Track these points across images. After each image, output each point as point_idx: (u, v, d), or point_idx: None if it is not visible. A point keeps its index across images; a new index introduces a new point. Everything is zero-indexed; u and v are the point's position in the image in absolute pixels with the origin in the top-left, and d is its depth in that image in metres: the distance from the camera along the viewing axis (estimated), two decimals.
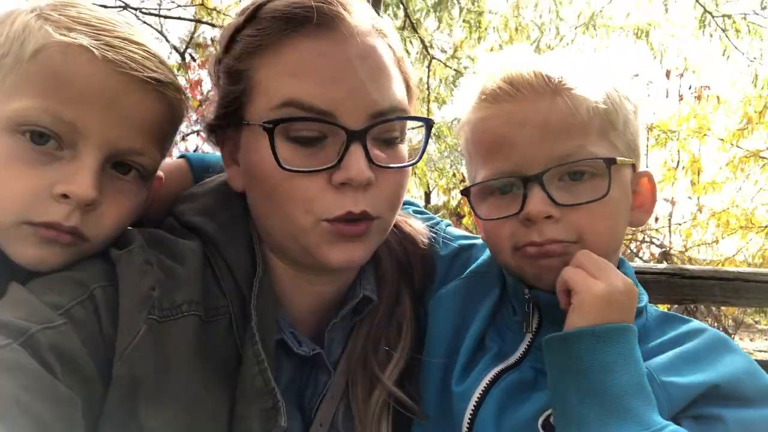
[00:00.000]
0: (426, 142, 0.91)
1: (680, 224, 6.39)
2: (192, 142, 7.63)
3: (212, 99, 0.93)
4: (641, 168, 0.95)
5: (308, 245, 0.83)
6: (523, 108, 0.87)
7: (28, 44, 0.74)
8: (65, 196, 0.75)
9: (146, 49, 0.81)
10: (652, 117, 6.61)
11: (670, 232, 6.21)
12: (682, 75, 7.28)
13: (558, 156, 0.85)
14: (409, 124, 0.91)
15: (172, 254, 0.83)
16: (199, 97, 7.44)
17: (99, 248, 0.81)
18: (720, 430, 0.77)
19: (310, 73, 0.79)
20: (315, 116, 0.78)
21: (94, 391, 0.70)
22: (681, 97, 7.22)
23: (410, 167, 0.90)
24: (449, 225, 1.19)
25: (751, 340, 8.64)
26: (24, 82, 0.74)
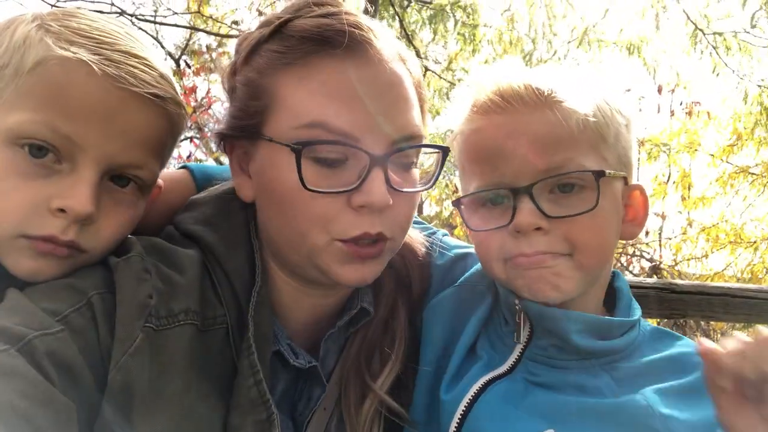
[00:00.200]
0: (441, 169, 0.93)
1: (670, 238, 6.43)
2: (185, 148, 7.61)
3: (225, 107, 0.93)
4: (633, 181, 0.95)
5: (320, 263, 0.84)
6: (514, 120, 0.88)
7: (28, 56, 0.74)
8: (62, 210, 0.75)
9: (147, 63, 0.80)
10: (643, 131, 6.67)
11: (660, 246, 6.25)
12: (673, 90, 7.36)
13: (547, 168, 0.86)
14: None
15: (171, 263, 0.83)
16: (193, 103, 7.44)
17: (97, 259, 0.81)
18: None
19: (338, 96, 0.80)
20: (341, 140, 0.79)
21: (90, 397, 0.70)
22: (672, 113, 7.29)
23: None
24: (446, 234, 1.20)
25: None
26: (23, 94, 0.74)
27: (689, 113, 7.17)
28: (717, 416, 0.68)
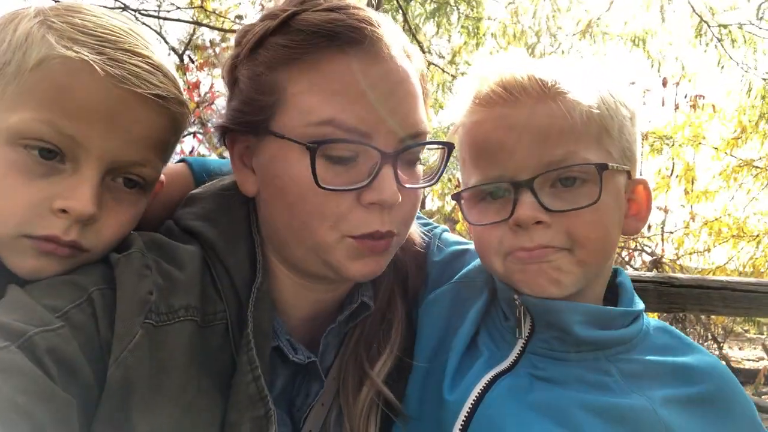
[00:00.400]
0: (445, 165, 0.93)
1: (672, 232, 6.41)
2: (188, 143, 7.63)
3: (227, 101, 0.92)
4: (637, 175, 0.94)
5: (331, 259, 0.84)
6: (516, 112, 0.86)
7: (31, 54, 0.73)
8: (64, 210, 0.75)
9: (151, 61, 0.79)
10: (647, 124, 6.64)
11: (662, 240, 6.23)
12: (678, 83, 7.32)
13: (549, 161, 0.85)
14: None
15: (171, 259, 0.83)
16: (196, 99, 7.44)
17: (98, 257, 0.81)
18: None
19: (349, 93, 0.80)
20: (354, 138, 0.80)
21: (90, 394, 0.70)
22: (677, 106, 7.25)
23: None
24: (446, 231, 1.20)
25: (740, 348, 8.66)
26: (25, 93, 0.73)
27: (693, 106, 7.13)
28: None
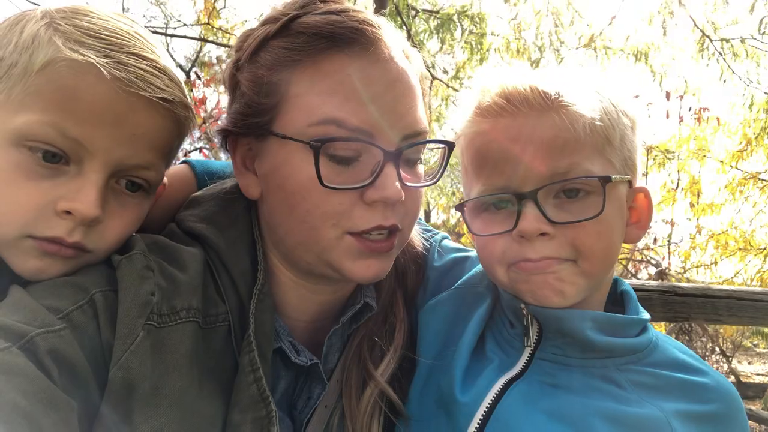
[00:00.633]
0: (446, 164, 0.93)
1: (677, 243, 6.38)
2: (195, 158, 7.68)
3: (228, 105, 0.92)
4: (638, 183, 0.94)
5: (332, 260, 0.85)
6: (519, 123, 0.87)
7: (37, 56, 0.73)
8: (68, 212, 0.75)
9: (156, 65, 0.80)
10: (652, 138, 6.64)
11: (669, 253, 6.20)
12: (682, 97, 7.33)
13: (553, 173, 0.85)
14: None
15: (174, 260, 0.83)
16: (203, 114, 7.52)
17: (101, 259, 0.81)
18: None
19: (351, 92, 0.80)
20: (356, 136, 0.80)
21: (91, 395, 0.70)
22: (681, 119, 7.25)
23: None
24: (446, 238, 1.20)
25: (749, 363, 8.56)
26: (31, 95, 0.74)
27: (698, 119, 7.14)
28: None
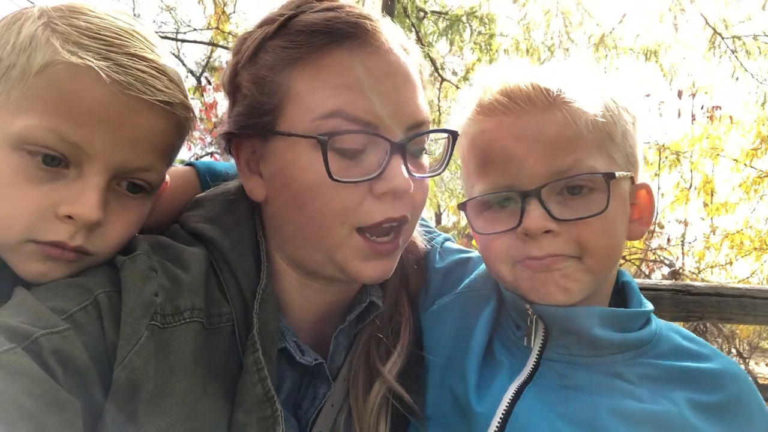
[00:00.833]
0: (450, 153, 0.93)
1: (691, 243, 6.31)
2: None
3: (228, 108, 0.93)
4: (639, 180, 0.94)
5: (339, 259, 0.85)
6: (521, 121, 0.87)
7: (35, 58, 0.73)
8: (70, 216, 0.75)
9: (156, 65, 0.79)
10: (664, 137, 6.59)
11: (683, 253, 6.13)
12: (694, 95, 7.27)
13: (556, 170, 0.85)
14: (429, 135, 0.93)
15: (177, 261, 0.83)
16: (214, 119, 7.56)
17: (103, 261, 0.81)
18: None
19: (353, 85, 0.81)
20: (362, 128, 0.81)
21: (95, 396, 0.70)
22: (693, 118, 7.19)
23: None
24: (448, 239, 1.19)
25: (767, 364, 8.44)
26: (30, 98, 0.73)
27: (710, 117, 7.07)
28: None
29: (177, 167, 1.02)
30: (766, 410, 0.88)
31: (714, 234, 6.59)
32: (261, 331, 0.85)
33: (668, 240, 6.25)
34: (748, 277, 6.43)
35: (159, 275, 0.79)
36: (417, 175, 0.86)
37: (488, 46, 7.59)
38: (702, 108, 7.15)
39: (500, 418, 0.86)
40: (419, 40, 6.86)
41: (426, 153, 0.91)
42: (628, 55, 7.79)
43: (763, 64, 6.96)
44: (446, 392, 0.95)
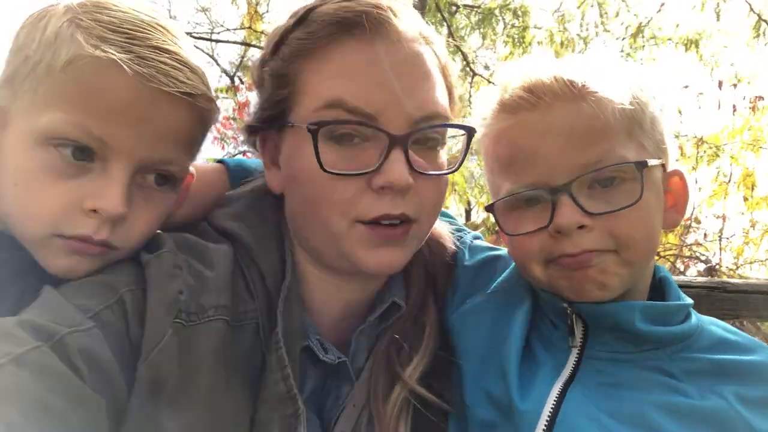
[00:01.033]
0: (466, 151, 0.91)
1: (729, 238, 6.12)
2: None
3: (254, 101, 0.94)
4: (671, 167, 0.92)
5: (344, 250, 0.84)
6: (545, 116, 0.85)
7: (60, 54, 0.74)
8: (95, 210, 0.76)
9: (179, 58, 0.79)
10: (702, 130, 6.40)
11: (720, 249, 5.95)
12: (735, 85, 7.03)
13: (585, 163, 0.83)
14: (451, 131, 0.91)
15: (202, 258, 0.84)
16: (246, 118, 7.65)
17: (128, 255, 0.83)
18: None
19: (355, 75, 0.80)
20: (359, 119, 0.79)
21: (119, 393, 0.71)
22: (734, 108, 6.96)
23: (449, 174, 0.91)
24: (478, 237, 1.18)
25: None
26: (56, 93, 0.75)
27: (753, 108, 6.83)
28: None
29: (208, 164, 1.03)
30: None
31: (753, 229, 6.38)
32: (285, 328, 0.85)
33: (705, 235, 6.07)
34: None
35: (184, 273, 0.80)
36: (423, 171, 0.83)
37: (521, 39, 7.49)
38: (744, 98, 6.92)
39: (548, 418, 0.84)
40: (451, 35, 6.82)
41: (441, 148, 0.88)
42: (667, 46, 7.59)
43: None
44: (481, 393, 0.94)
